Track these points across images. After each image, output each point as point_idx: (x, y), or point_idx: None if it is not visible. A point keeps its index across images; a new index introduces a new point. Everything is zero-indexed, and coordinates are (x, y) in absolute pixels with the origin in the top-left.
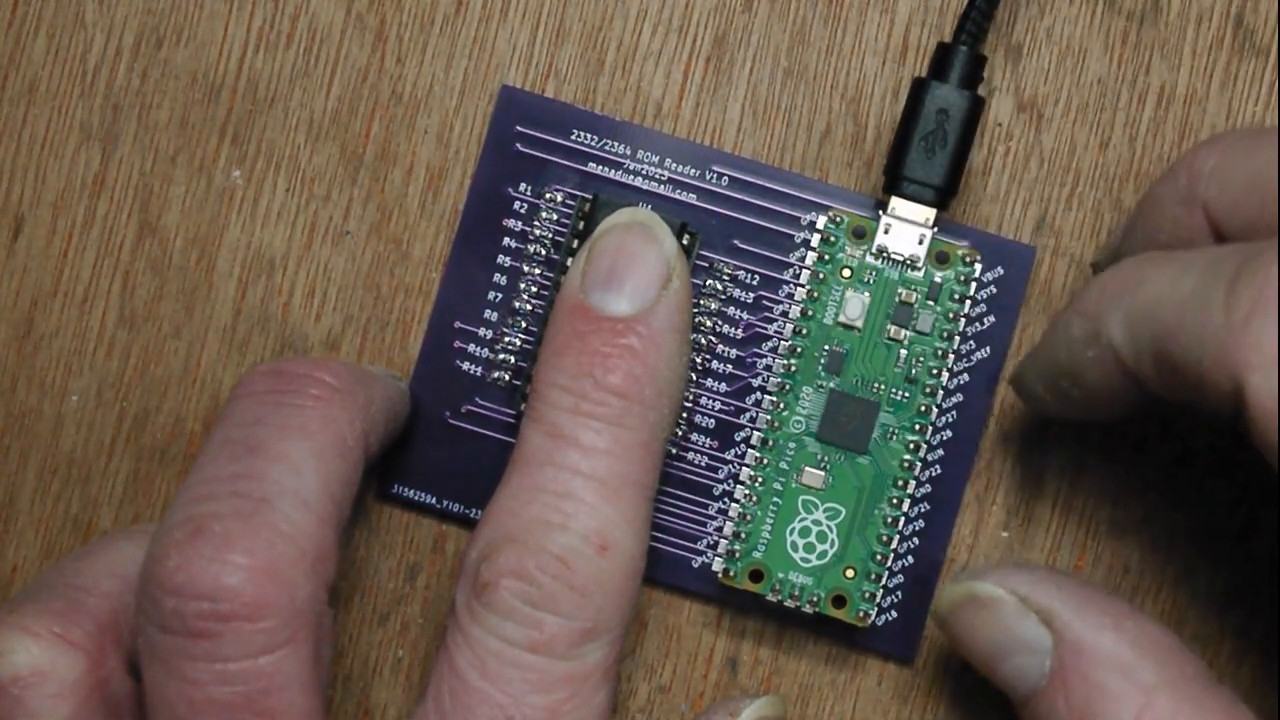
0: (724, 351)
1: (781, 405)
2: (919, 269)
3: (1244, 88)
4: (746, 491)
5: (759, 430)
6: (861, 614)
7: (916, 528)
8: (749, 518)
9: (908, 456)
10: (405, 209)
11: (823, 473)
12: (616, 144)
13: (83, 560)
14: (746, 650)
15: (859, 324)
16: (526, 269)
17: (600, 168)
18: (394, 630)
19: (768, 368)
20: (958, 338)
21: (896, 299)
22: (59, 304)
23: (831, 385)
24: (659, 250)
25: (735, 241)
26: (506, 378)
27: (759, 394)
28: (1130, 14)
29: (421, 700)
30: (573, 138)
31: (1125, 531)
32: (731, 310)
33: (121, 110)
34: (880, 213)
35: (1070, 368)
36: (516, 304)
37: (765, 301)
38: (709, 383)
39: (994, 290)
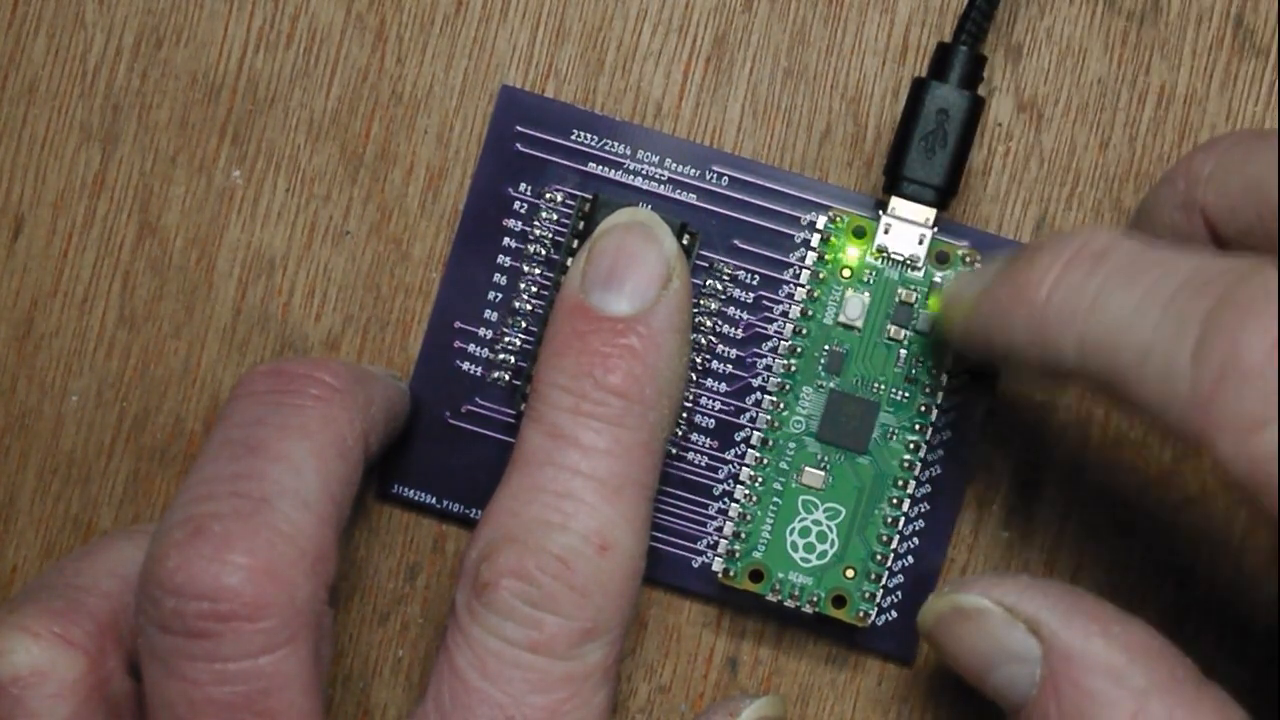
0: (724, 351)
1: (781, 405)
2: (919, 269)
3: (1244, 88)
4: (746, 491)
5: (759, 430)
6: (861, 614)
7: (916, 528)
8: (749, 518)
9: (908, 456)
10: (405, 209)
11: (823, 473)
12: (616, 144)
13: (83, 560)
14: (746, 650)
15: (859, 324)
16: (526, 269)
17: (600, 168)
18: (394, 630)
19: (768, 368)
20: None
21: (896, 299)
22: (59, 304)
23: (831, 385)
24: (659, 250)
25: (735, 241)
26: (506, 378)
27: (759, 394)
28: (1130, 14)
29: (421, 700)
30: (573, 138)
31: (1125, 532)
32: (731, 310)
33: (121, 110)
34: (880, 213)
35: (1009, 355)
36: (516, 304)
37: (765, 301)
38: (709, 383)
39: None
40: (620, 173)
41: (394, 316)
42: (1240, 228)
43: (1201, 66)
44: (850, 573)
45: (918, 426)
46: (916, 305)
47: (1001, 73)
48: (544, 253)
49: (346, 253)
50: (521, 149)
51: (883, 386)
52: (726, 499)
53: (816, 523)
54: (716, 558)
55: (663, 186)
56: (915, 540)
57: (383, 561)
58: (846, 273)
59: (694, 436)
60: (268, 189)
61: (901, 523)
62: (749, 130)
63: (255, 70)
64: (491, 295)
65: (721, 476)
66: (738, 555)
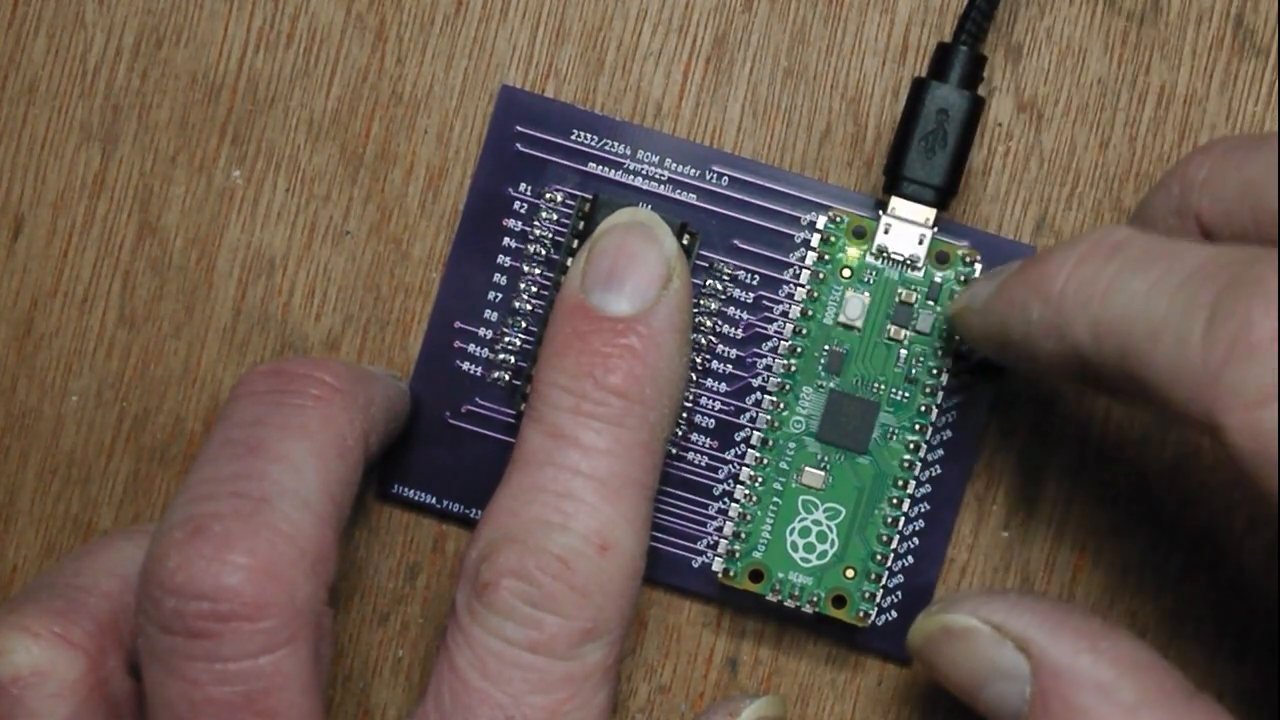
0: (724, 351)
1: (781, 405)
2: (919, 269)
3: (1244, 88)
4: (746, 491)
5: (759, 430)
6: (861, 614)
7: (916, 528)
8: (749, 518)
9: (908, 456)
10: (405, 209)
11: (823, 473)
12: (616, 144)
13: (83, 560)
14: (746, 650)
15: (859, 324)
16: (526, 269)
17: (600, 168)
18: (394, 630)
19: (768, 368)
20: (958, 338)
21: (896, 299)
22: (59, 304)
23: (831, 385)
24: (659, 250)
25: (735, 241)
26: (506, 378)
27: (759, 394)
28: (1130, 14)
29: (421, 700)
30: (573, 138)
31: (1125, 531)
32: (731, 310)
33: (121, 110)
34: (880, 213)
35: (1024, 347)
36: (516, 304)
37: (765, 301)
38: (709, 383)
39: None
40: (620, 173)
41: (394, 316)
42: (1236, 232)
43: (1201, 66)
44: (850, 573)
45: (918, 426)
46: (916, 305)
47: (1001, 73)
48: (544, 253)
49: (346, 253)
50: (521, 149)
51: (883, 386)
52: (726, 499)
53: (816, 523)
54: (716, 558)
55: (663, 186)
56: (915, 540)
57: (383, 561)
58: (846, 273)
59: (694, 436)
60: (268, 189)
61: (901, 523)
62: (749, 130)
63: (255, 70)
64: (491, 295)
65: (721, 476)
66: (738, 555)
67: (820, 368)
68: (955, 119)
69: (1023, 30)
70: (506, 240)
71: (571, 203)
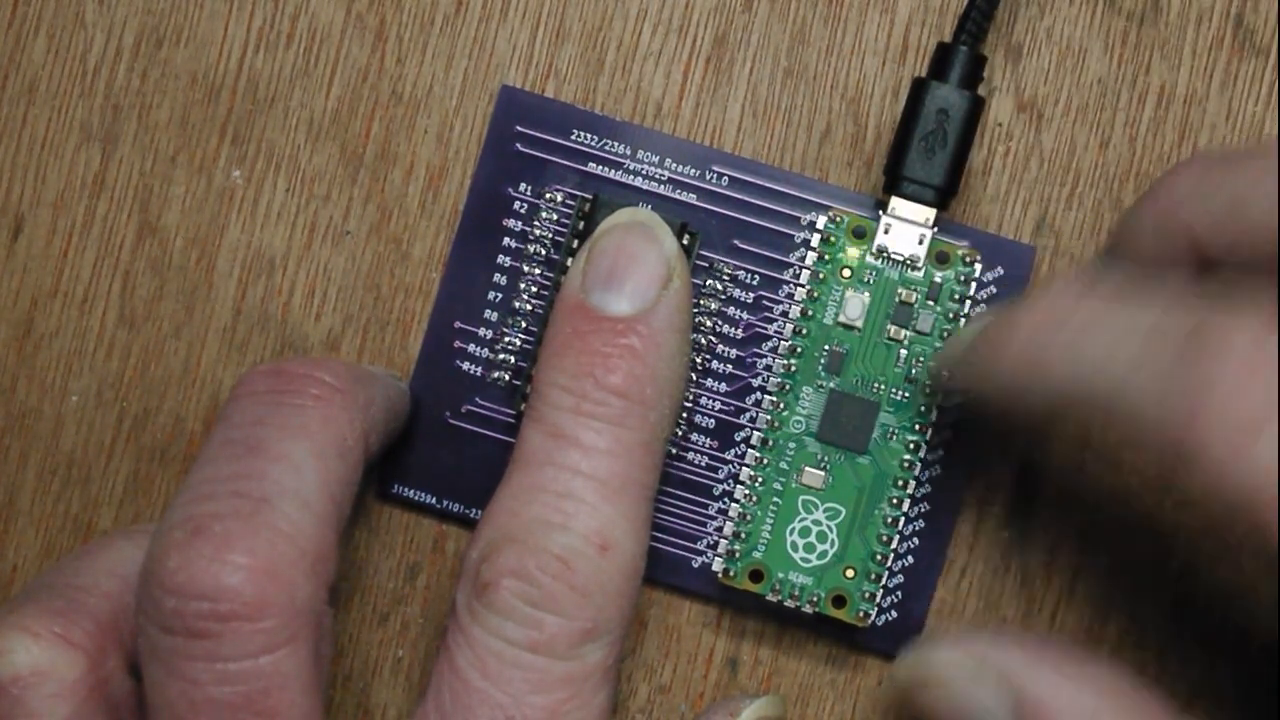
0: (724, 351)
1: (781, 405)
2: (919, 269)
3: (1244, 88)
4: (746, 491)
5: (759, 430)
6: (861, 614)
7: (916, 528)
8: (749, 518)
9: (908, 456)
10: (405, 209)
11: (823, 473)
12: (616, 144)
13: (83, 560)
14: (746, 650)
15: (859, 324)
16: (526, 269)
17: (600, 168)
18: (394, 630)
19: (768, 368)
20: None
21: (896, 299)
22: (59, 304)
23: (831, 385)
24: (659, 250)
25: (735, 241)
26: (506, 378)
27: (759, 394)
28: (1130, 14)
29: (421, 700)
30: (573, 138)
31: (1125, 532)
32: (731, 310)
33: (121, 110)
34: (880, 213)
35: (1005, 405)
36: (516, 304)
37: (765, 301)
38: (709, 383)
39: (994, 290)
40: (620, 173)
41: (394, 316)
42: (1225, 244)
43: (1201, 66)
44: (850, 573)
45: (918, 426)
46: (916, 305)
47: (1001, 73)
48: (544, 253)
49: (346, 253)
50: (521, 149)
51: (883, 386)
52: (726, 499)
53: (816, 523)
54: (716, 558)
55: (663, 186)
56: (915, 540)
57: (383, 561)
58: (846, 273)
59: (694, 436)
60: (268, 189)
61: (901, 523)
62: (749, 130)
63: (255, 70)
64: (491, 295)
65: (721, 476)
66: (738, 555)
67: (820, 368)
68: (955, 119)
69: (1023, 30)
70: (506, 240)
71: (571, 203)
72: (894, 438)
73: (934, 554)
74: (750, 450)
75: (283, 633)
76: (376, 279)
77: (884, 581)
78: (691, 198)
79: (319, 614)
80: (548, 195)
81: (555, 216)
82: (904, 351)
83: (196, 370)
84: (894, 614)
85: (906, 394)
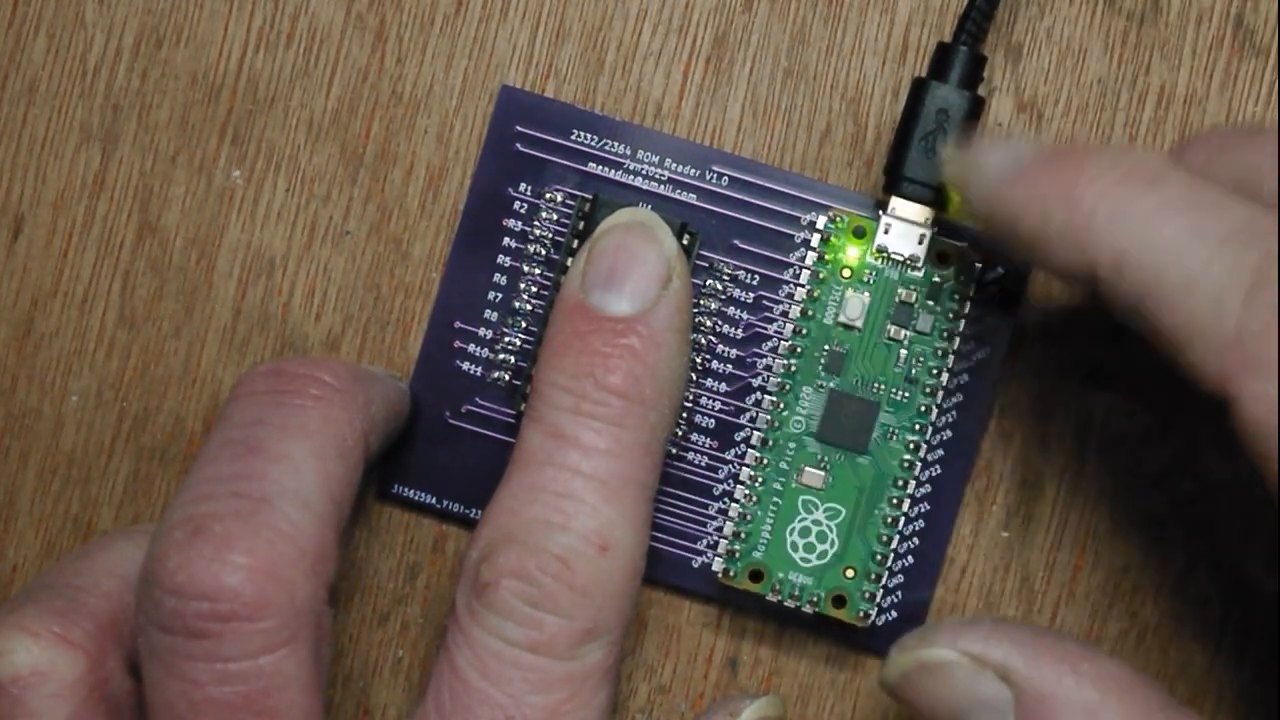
0: (724, 351)
1: (781, 405)
2: (919, 269)
3: (1244, 88)
4: (746, 491)
5: (759, 430)
6: (861, 614)
7: (916, 528)
8: (749, 518)
9: (908, 456)
10: (405, 209)
11: (823, 473)
12: (616, 144)
13: (83, 560)
14: (746, 650)
15: (859, 324)
16: (526, 269)
17: (600, 168)
18: (394, 630)
19: (768, 368)
20: (958, 338)
21: (896, 299)
22: (59, 304)
23: (831, 385)
24: (659, 250)
25: (735, 241)
26: (506, 378)
27: (759, 394)
28: (1130, 14)
29: (421, 700)
30: (573, 138)
31: (1125, 531)
32: (731, 310)
33: (121, 110)
34: (880, 213)
35: (1031, 245)
36: (516, 304)
37: (765, 301)
38: (709, 383)
39: (994, 290)
40: (620, 173)
41: (394, 316)
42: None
43: (1201, 66)
44: (850, 573)
45: (918, 426)
46: (916, 305)
47: (1001, 73)
48: (544, 253)
49: (346, 253)
50: (521, 149)
51: (883, 386)
52: (726, 499)
53: (816, 523)
54: (716, 558)
55: (663, 186)
56: (915, 540)
57: (383, 561)
58: (846, 273)
59: (694, 436)
60: (268, 189)
61: (901, 523)
62: (749, 130)
63: (255, 70)
64: (491, 295)
65: (721, 476)
66: (738, 555)
67: (820, 368)
68: (955, 119)
69: (1023, 30)
70: (506, 240)
71: (571, 203)
72: (894, 438)
73: (934, 554)
74: (750, 450)
75: (283, 633)
76: (376, 279)
77: (884, 581)
78: (691, 198)
79: (319, 614)
80: (548, 195)
81: (555, 216)
82: (904, 351)
83: (196, 370)
84: (894, 614)
85: (906, 394)
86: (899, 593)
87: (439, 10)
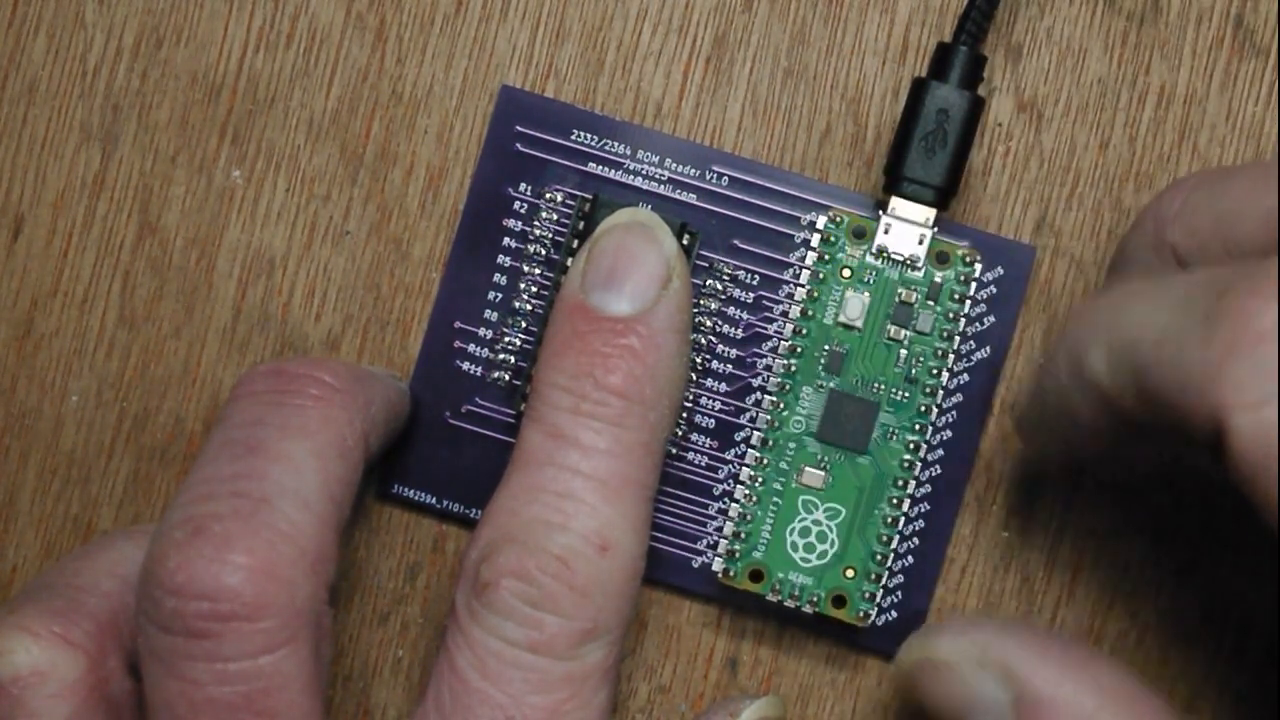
0: (724, 351)
1: (781, 405)
2: (919, 269)
3: (1244, 88)
4: (746, 491)
5: (759, 430)
6: (861, 614)
7: (916, 528)
8: (749, 518)
9: (908, 456)
10: (405, 209)
11: (823, 473)
12: (616, 144)
13: (83, 560)
14: (746, 650)
15: (859, 324)
16: (526, 269)
17: (600, 168)
18: (394, 630)
19: (768, 368)
20: (958, 338)
21: (896, 299)
22: (59, 304)
23: (831, 385)
24: (659, 250)
25: (735, 241)
26: (506, 378)
27: (759, 394)
28: (1130, 14)
29: (421, 700)
30: (573, 138)
31: (1125, 531)
32: (731, 310)
33: (121, 110)
34: (880, 213)
35: (1060, 403)
36: (516, 304)
37: (765, 301)
38: (709, 383)
39: (994, 290)
40: (620, 173)
41: (394, 316)
42: (1209, 264)
43: (1201, 66)
44: (850, 573)
45: (918, 426)
46: (916, 305)
47: (1001, 73)
48: (544, 253)
49: (346, 253)
50: (521, 149)
51: (883, 386)
52: (726, 499)
53: (816, 523)
54: (716, 558)
55: (663, 186)
56: (915, 540)
57: (383, 561)
58: (846, 273)
59: (694, 436)
60: (268, 189)
61: (901, 523)
62: (749, 130)
63: (255, 70)
64: (491, 295)
65: (721, 476)
66: (738, 555)
67: (820, 368)
68: (955, 119)
69: (1023, 30)
70: (506, 240)
71: (571, 203)
72: (894, 438)
73: (934, 554)
74: (750, 450)
75: (283, 633)
76: (376, 279)
77: (884, 581)
78: (691, 198)
79: (319, 614)
80: (548, 195)
81: (555, 216)
82: (904, 351)
83: (196, 370)
84: (894, 614)
85: (906, 394)
86: (899, 593)
87: (439, 10)
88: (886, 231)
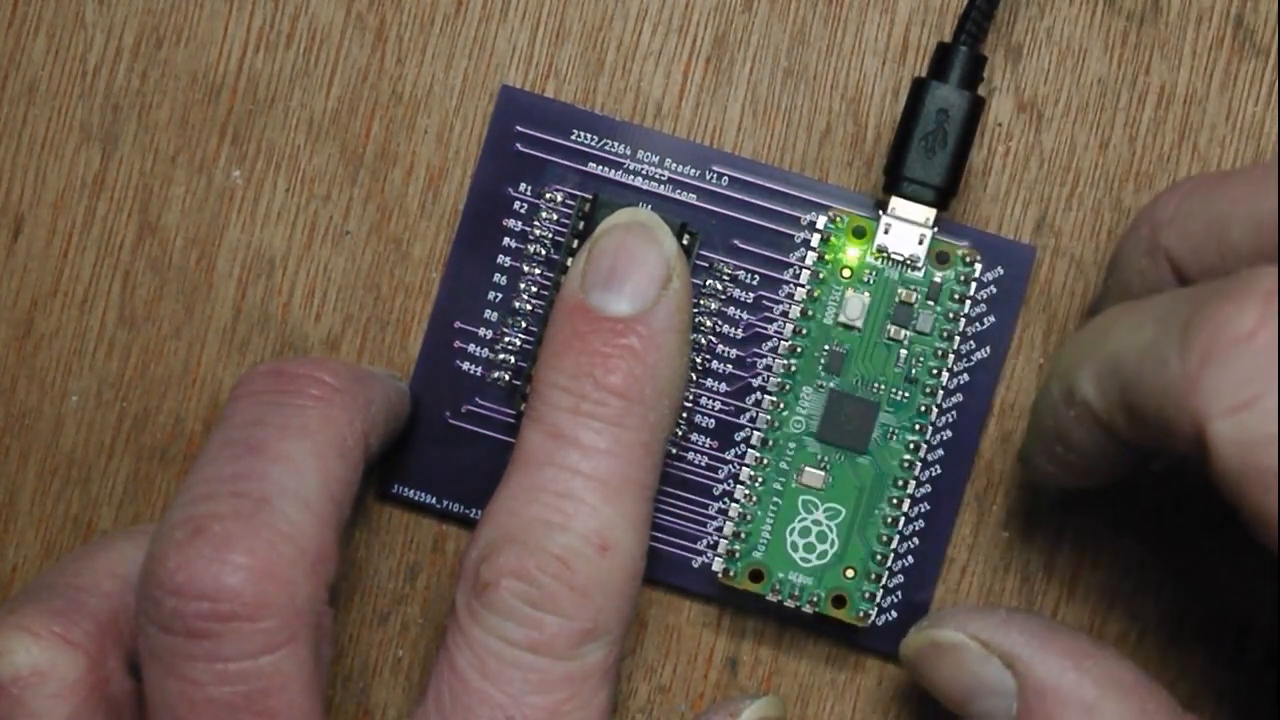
0: (724, 351)
1: (781, 405)
2: (919, 269)
3: (1244, 88)
4: (746, 491)
5: (759, 430)
6: (861, 614)
7: (916, 528)
8: (749, 518)
9: (908, 456)
10: (405, 209)
11: (823, 473)
12: (616, 144)
13: (83, 560)
14: (746, 650)
15: (859, 324)
16: (526, 269)
17: (600, 168)
18: (394, 630)
19: (768, 368)
20: (958, 338)
21: (896, 299)
22: (59, 304)
23: (831, 385)
24: (659, 250)
25: (735, 241)
26: (506, 378)
27: (759, 394)
28: (1130, 14)
29: (421, 700)
30: (573, 138)
31: (1125, 531)
32: (731, 310)
33: (121, 110)
34: (880, 213)
35: (1058, 432)
36: (516, 304)
37: (765, 301)
38: (709, 383)
39: (994, 290)
40: (620, 173)
41: (394, 316)
42: (1203, 269)
43: (1201, 66)
44: (850, 573)
45: (918, 426)
46: (916, 305)
47: (1001, 73)
48: (544, 253)
49: (346, 253)
50: (521, 149)
51: (883, 386)
52: (726, 499)
53: (816, 523)
54: (716, 558)
55: (663, 186)
56: (915, 540)
57: (383, 561)
58: (846, 273)
59: (694, 436)
60: (268, 189)
61: (901, 523)
62: (749, 130)
63: (255, 70)
64: (491, 295)
65: (721, 476)
66: (738, 555)
67: (820, 368)
68: (955, 119)
69: (1023, 30)
70: (506, 240)
71: (571, 203)
72: (894, 438)
73: (934, 554)
74: (750, 450)
75: (283, 633)
76: (376, 279)
77: (884, 581)
78: (691, 198)
79: (319, 614)
80: (548, 195)
81: (555, 216)
82: (904, 351)
83: (196, 370)
84: (894, 614)
85: (906, 394)
86: (899, 593)
87: (439, 10)
88: (886, 231)
